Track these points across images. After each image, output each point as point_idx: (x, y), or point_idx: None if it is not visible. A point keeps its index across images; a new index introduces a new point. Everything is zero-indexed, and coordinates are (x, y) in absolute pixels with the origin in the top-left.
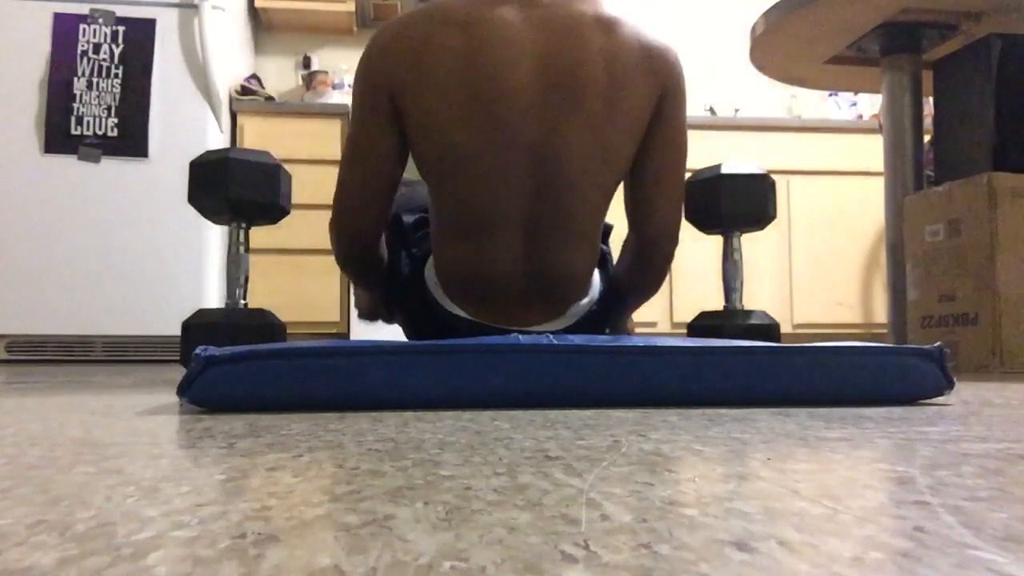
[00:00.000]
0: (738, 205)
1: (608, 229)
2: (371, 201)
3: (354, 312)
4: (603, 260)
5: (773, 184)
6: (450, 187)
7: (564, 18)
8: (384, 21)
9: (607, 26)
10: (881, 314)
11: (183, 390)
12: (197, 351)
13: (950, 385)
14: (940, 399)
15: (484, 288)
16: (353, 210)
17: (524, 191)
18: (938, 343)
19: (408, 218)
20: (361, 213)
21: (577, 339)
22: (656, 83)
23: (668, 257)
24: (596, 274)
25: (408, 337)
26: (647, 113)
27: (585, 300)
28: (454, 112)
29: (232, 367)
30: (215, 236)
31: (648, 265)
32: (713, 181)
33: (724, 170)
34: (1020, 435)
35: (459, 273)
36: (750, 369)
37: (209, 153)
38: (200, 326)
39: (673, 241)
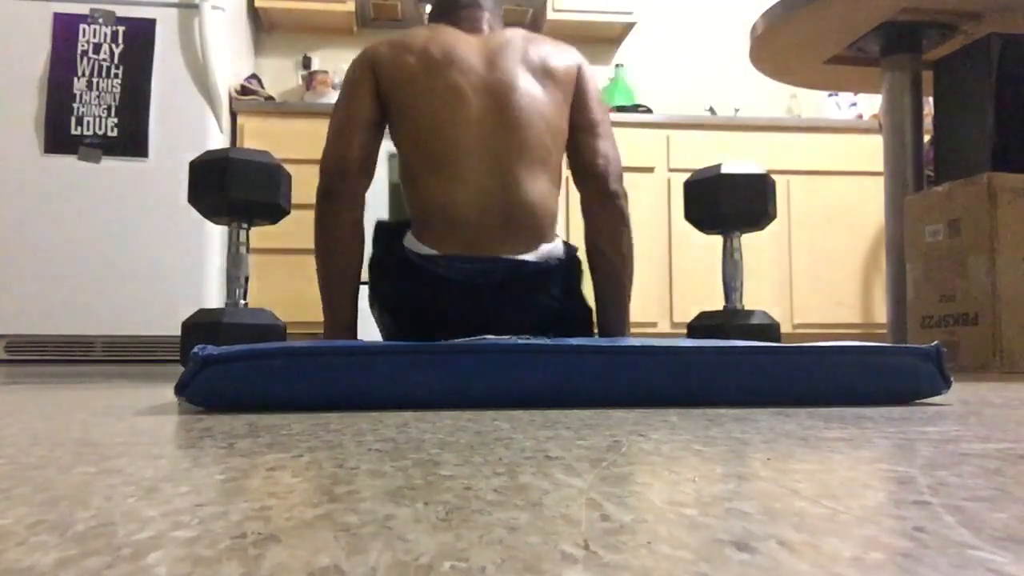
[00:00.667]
0: (738, 205)
1: (574, 250)
2: (350, 136)
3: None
4: (571, 261)
5: (773, 184)
6: (416, 127)
7: (498, 31)
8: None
9: (528, 35)
10: (881, 314)
11: (181, 389)
12: (195, 350)
13: (947, 384)
14: (940, 399)
15: (453, 218)
16: (334, 145)
17: (482, 123)
18: (935, 342)
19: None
20: (341, 147)
21: (576, 340)
22: (571, 61)
23: (621, 192)
24: (559, 243)
25: (387, 324)
26: (571, 78)
27: (550, 245)
28: (418, 71)
29: (229, 367)
30: (215, 236)
31: (608, 205)
32: (713, 181)
33: (724, 170)
34: (1020, 435)
35: (430, 207)
36: (750, 369)
37: (209, 153)
38: (200, 326)
39: (619, 170)
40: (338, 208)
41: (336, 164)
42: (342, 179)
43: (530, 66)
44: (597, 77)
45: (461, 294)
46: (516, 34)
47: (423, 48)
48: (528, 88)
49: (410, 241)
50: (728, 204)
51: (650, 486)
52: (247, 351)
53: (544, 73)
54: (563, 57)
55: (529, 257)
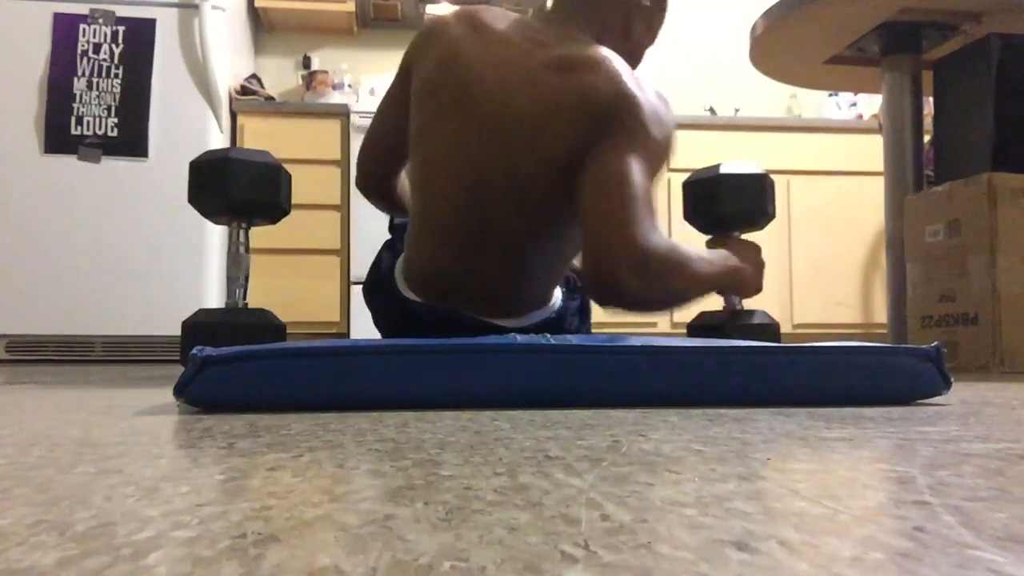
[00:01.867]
0: (737, 205)
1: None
2: (376, 143)
3: (356, 313)
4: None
5: (772, 184)
6: (414, 188)
7: (511, 49)
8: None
9: (549, 65)
10: (881, 314)
11: (180, 391)
12: (194, 351)
13: (947, 385)
14: (940, 399)
15: (432, 284)
16: (364, 148)
17: (455, 201)
18: (935, 343)
19: (400, 220)
20: (368, 152)
21: (576, 339)
22: (585, 122)
23: (609, 301)
24: (558, 292)
25: (378, 329)
26: (570, 149)
27: (546, 307)
28: (423, 118)
29: (229, 367)
30: (215, 236)
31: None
32: (712, 181)
33: (723, 170)
34: (1020, 435)
35: (412, 268)
36: (749, 369)
37: (209, 153)
38: (200, 326)
39: (606, 290)
40: (374, 198)
41: (359, 181)
42: (367, 193)
43: (520, 117)
44: None
45: (445, 334)
46: (533, 56)
47: (432, 79)
48: (504, 170)
49: (399, 278)
50: (727, 204)
51: (650, 486)
52: (246, 352)
53: (535, 135)
54: (577, 115)
55: (517, 324)
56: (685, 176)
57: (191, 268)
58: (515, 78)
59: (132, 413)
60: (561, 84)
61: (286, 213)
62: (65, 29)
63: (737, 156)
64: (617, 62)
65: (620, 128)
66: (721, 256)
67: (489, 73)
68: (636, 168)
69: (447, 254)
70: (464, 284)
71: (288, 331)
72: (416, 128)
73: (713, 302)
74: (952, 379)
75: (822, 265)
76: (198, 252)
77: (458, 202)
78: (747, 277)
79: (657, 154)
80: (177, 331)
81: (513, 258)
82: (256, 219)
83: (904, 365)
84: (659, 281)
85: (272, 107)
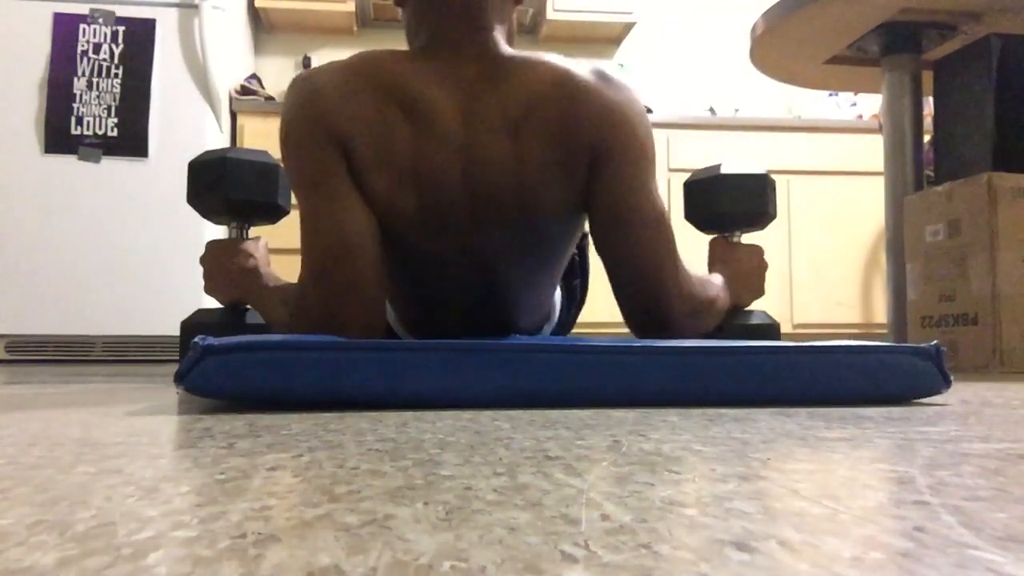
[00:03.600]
0: (737, 205)
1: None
2: (371, 260)
3: None
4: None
5: (773, 184)
6: (393, 261)
7: (488, 102)
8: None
9: (512, 113)
10: (881, 314)
11: (180, 378)
12: (196, 340)
13: (947, 384)
14: (940, 399)
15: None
16: (362, 274)
17: (458, 281)
18: (935, 342)
19: None
20: (369, 276)
21: (576, 339)
22: (583, 165)
23: (654, 336)
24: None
25: None
26: (579, 192)
27: (548, 324)
28: (394, 198)
29: (229, 357)
30: (215, 236)
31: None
32: (712, 181)
33: (723, 170)
34: (1020, 435)
35: (411, 327)
36: (749, 369)
37: (207, 153)
38: (199, 325)
39: (657, 331)
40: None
41: (375, 319)
42: (382, 327)
43: (510, 186)
44: None
45: None
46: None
47: (397, 152)
48: (506, 250)
49: (396, 327)
50: (727, 204)
51: (650, 486)
52: (248, 342)
53: (531, 202)
54: (575, 157)
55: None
56: (686, 176)
57: (191, 268)
58: (490, 149)
59: (132, 413)
60: (540, 130)
61: (286, 213)
62: (65, 29)
63: (737, 156)
64: (581, 75)
65: (623, 155)
66: (719, 280)
67: (463, 155)
68: (656, 193)
69: (458, 319)
70: (473, 328)
71: None
72: (394, 227)
73: None
74: (952, 379)
75: (822, 265)
76: (198, 252)
77: (471, 283)
78: (739, 293)
79: (654, 154)
80: (177, 331)
81: (524, 297)
82: (255, 219)
83: (904, 363)
84: (701, 319)
85: (272, 107)
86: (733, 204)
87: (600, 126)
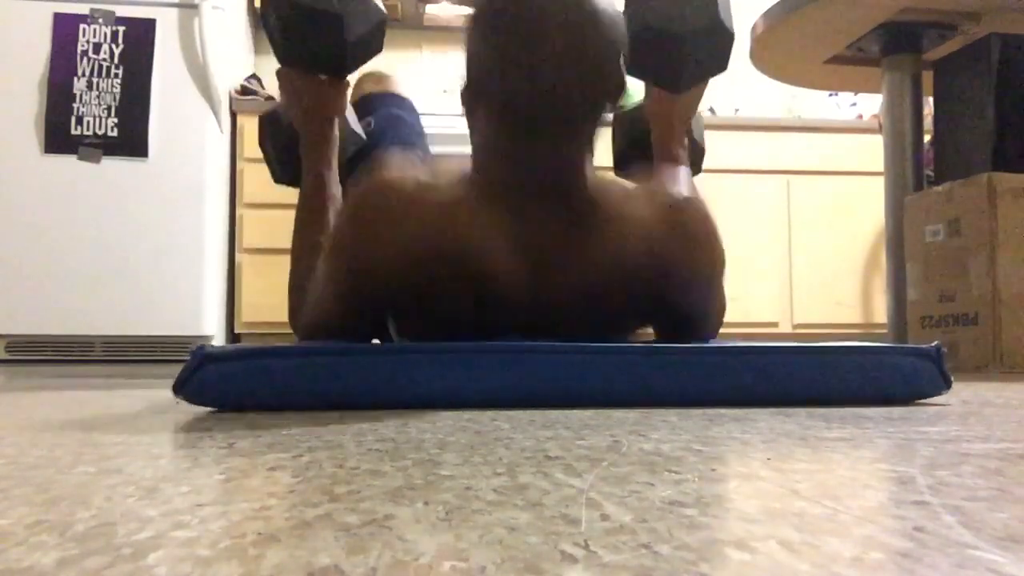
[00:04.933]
0: (685, 22)
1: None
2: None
3: None
4: None
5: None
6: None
7: (551, 245)
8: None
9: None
10: (881, 314)
11: (179, 387)
12: (193, 348)
13: (947, 384)
14: (940, 399)
15: None
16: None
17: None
18: (935, 342)
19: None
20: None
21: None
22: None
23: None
24: None
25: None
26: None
27: None
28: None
29: (228, 365)
30: (215, 236)
31: None
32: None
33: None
34: (1020, 435)
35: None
36: (749, 369)
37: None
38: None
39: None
40: None
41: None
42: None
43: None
44: None
45: None
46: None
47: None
48: None
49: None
50: (678, 23)
51: (650, 486)
52: (246, 350)
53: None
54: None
55: None
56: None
57: (191, 268)
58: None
59: (132, 413)
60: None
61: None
62: (65, 29)
63: (737, 156)
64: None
65: (683, 273)
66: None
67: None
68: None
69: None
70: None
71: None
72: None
73: None
74: (952, 379)
75: (822, 265)
76: (198, 252)
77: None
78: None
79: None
80: (177, 331)
81: None
82: (355, 67)
83: (904, 364)
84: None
85: (272, 107)
86: (682, 22)
87: (686, 290)
